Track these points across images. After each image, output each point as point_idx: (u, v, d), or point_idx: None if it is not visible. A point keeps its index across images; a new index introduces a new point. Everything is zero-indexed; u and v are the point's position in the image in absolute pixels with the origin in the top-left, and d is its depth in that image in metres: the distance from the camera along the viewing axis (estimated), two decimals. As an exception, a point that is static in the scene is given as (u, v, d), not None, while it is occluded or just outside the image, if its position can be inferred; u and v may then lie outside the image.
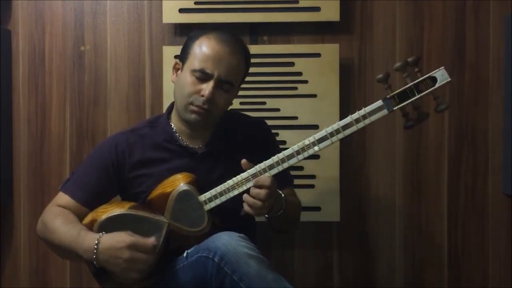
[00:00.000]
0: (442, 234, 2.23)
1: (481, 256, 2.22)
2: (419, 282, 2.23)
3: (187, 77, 1.65)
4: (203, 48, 1.65)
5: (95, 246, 1.51)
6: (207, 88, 1.62)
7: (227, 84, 1.66)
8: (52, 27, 2.28)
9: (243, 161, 1.55)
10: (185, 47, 1.71)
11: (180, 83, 1.68)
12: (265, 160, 1.56)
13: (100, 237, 1.52)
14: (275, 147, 1.79)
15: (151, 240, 1.52)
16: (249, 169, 1.55)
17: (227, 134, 1.76)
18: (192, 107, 1.64)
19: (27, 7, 2.28)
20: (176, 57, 1.79)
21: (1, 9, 2.26)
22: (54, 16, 2.28)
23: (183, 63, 1.69)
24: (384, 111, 1.51)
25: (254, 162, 1.57)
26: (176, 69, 1.74)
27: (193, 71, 1.64)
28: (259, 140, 1.79)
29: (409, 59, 1.50)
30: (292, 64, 2.17)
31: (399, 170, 2.23)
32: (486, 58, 2.20)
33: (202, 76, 1.63)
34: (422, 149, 2.22)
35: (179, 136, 1.73)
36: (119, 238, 1.50)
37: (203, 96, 1.62)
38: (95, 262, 1.52)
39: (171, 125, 1.75)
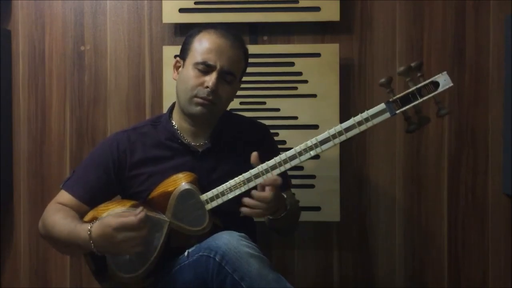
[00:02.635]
0: (442, 234, 2.23)
1: (481, 256, 2.22)
2: (419, 282, 2.23)
3: (189, 71, 1.66)
4: (204, 42, 1.67)
5: (89, 237, 1.50)
6: (210, 79, 1.63)
7: (230, 75, 1.67)
8: (52, 27, 2.28)
9: (254, 153, 1.56)
10: (185, 44, 1.72)
11: (182, 78, 1.69)
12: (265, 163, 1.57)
13: (91, 226, 1.51)
14: (275, 151, 1.80)
15: (137, 213, 1.47)
16: (257, 163, 1.56)
17: (229, 133, 1.76)
18: (197, 99, 1.65)
19: (27, 7, 2.28)
20: (176, 56, 1.79)
21: (1, 9, 2.26)
22: (54, 16, 2.28)
23: (184, 60, 1.70)
24: (387, 114, 1.53)
25: (254, 164, 1.57)
26: (176, 67, 1.75)
27: (196, 64, 1.65)
28: (261, 143, 1.79)
29: (412, 64, 1.52)
30: (292, 64, 2.17)
31: (399, 170, 2.23)
32: (486, 58, 2.20)
33: (205, 68, 1.65)
34: (422, 149, 2.22)
35: (181, 134, 1.73)
36: (106, 223, 1.49)
37: (207, 87, 1.63)
38: (96, 252, 1.52)
39: (173, 124, 1.75)
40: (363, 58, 2.23)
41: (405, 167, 2.23)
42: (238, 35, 1.74)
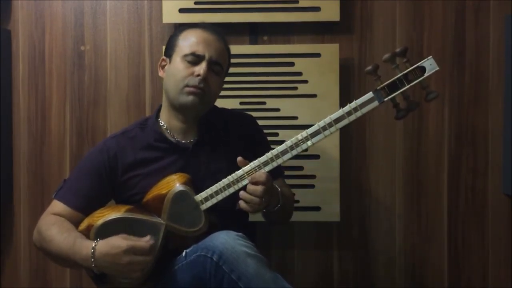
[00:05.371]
0: (442, 234, 2.23)
1: (481, 256, 2.22)
2: (419, 282, 2.23)
3: (178, 64, 1.68)
4: (190, 37, 1.70)
5: (92, 254, 1.50)
6: (201, 68, 1.66)
7: (218, 66, 1.70)
8: (52, 27, 2.28)
9: (239, 158, 1.57)
10: (169, 43, 1.76)
11: (171, 72, 1.70)
12: (255, 153, 1.58)
13: (95, 244, 1.51)
14: (264, 140, 1.83)
15: (147, 240, 1.51)
16: (244, 166, 1.56)
17: (217, 128, 1.77)
18: (188, 89, 1.66)
19: (27, 7, 2.28)
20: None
21: (1, 9, 2.26)
22: (54, 16, 2.28)
23: (170, 57, 1.72)
24: (375, 103, 1.53)
25: (245, 155, 1.58)
26: (162, 66, 1.77)
27: (185, 56, 1.68)
28: (248, 133, 1.81)
29: (397, 50, 1.52)
30: (292, 64, 2.17)
31: (399, 170, 2.23)
32: (486, 58, 2.20)
33: (194, 59, 1.67)
34: (422, 149, 2.22)
35: (171, 133, 1.74)
36: (115, 244, 1.49)
37: (198, 75, 1.65)
38: (95, 270, 1.52)
39: (161, 124, 1.76)
40: (363, 58, 2.23)
41: (405, 167, 2.23)
42: (220, 32, 1.76)
